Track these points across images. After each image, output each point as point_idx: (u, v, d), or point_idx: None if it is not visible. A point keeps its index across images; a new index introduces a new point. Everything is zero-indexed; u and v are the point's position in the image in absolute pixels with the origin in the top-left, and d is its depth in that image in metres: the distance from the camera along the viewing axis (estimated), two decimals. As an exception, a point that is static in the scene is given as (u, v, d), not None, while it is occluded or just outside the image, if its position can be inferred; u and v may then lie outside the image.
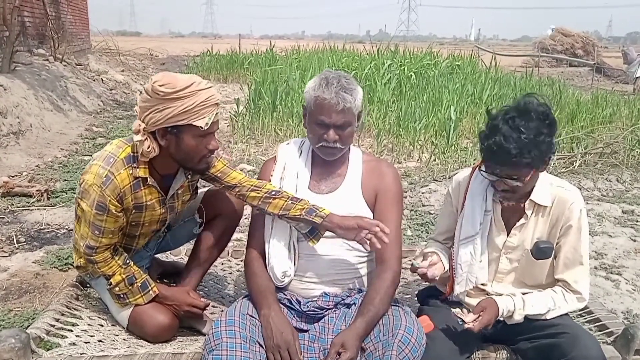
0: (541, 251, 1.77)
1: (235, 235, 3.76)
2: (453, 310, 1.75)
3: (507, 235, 1.86)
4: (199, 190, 2.19)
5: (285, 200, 1.85)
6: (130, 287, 1.87)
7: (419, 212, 4.47)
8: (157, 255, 2.36)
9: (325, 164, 1.93)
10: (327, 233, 1.85)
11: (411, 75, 9.90)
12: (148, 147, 1.74)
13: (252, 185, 1.94)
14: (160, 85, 1.68)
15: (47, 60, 9.52)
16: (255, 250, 1.92)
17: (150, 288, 1.90)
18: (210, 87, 1.76)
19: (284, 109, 7.38)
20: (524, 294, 1.83)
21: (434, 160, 6.05)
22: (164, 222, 2.03)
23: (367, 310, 1.72)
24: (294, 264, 1.87)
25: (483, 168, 1.75)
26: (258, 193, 1.91)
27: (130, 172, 1.79)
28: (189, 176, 1.98)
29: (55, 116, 7.50)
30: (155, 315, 1.88)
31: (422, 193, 4.95)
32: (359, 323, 1.69)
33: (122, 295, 1.88)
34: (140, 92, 1.80)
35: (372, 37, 17.81)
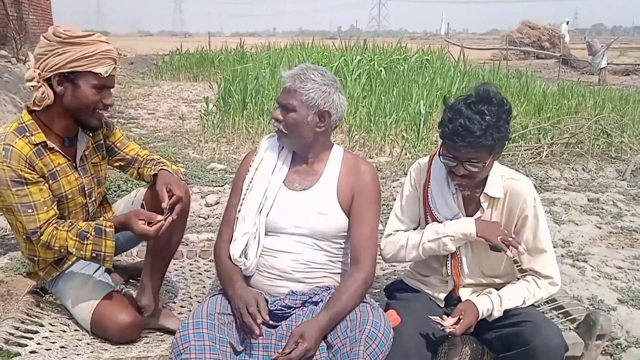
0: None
1: (206, 235, 3.75)
2: (431, 317, 1.75)
3: None
4: (139, 191, 2.19)
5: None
6: (87, 242, 1.79)
7: (390, 206, 4.45)
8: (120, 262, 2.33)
9: (304, 160, 1.92)
10: (292, 230, 1.84)
11: (381, 70, 9.95)
12: (42, 94, 1.74)
13: (145, 159, 2.09)
14: (63, 30, 1.73)
15: (10, 62, 9.27)
16: (224, 239, 1.91)
17: (104, 227, 1.81)
18: (109, 43, 1.82)
19: (254, 107, 7.33)
20: (484, 284, 1.86)
21: (405, 154, 6.09)
22: (84, 190, 1.96)
23: (333, 305, 1.72)
24: (256, 256, 1.85)
25: (443, 152, 1.76)
26: (149, 165, 2.05)
27: (27, 140, 1.76)
28: (91, 134, 1.97)
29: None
30: (116, 315, 1.85)
31: (394, 187, 4.98)
32: (322, 316, 1.69)
33: (94, 256, 1.81)
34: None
35: (344, 33, 17.86)
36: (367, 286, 1.83)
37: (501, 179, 1.84)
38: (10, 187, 1.72)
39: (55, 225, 1.79)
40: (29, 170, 1.74)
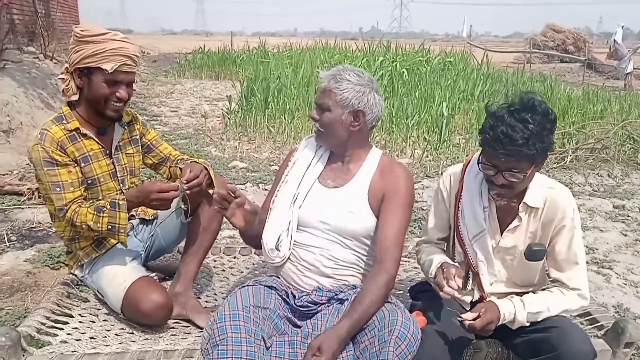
0: (534, 253, 1.76)
1: (229, 232, 3.77)
2: (449, 308, 1.72)
3: (500, 235, 1.84)
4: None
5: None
6: (103, 214, 1.90)
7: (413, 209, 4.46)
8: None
9: (340, 159, 1.95)
10: (320, 225, 1.86)
11: (403, 71, 9.91)
12: (67, 85, 1.96)
13: (176, 159, 2.24)
14: (80, 30, 1.91)
15: (37, 58, 9.42)
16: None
17: (117, 201, 1.93)
18: (126, 40, 1.97)
19: (276, 106, 7.36)
20: (517, 294, 1.83)
21: (427, 156, 6.06)
22: (117, 176, 2.10)
23: (354, 311, 1.70)
24: (289, 249, 1.89)
25: (482, 160, 1.70)
26: (179, 165, 2.18)
27: (62, 127, 1.95)
28: (126, 127, 2.14)
29: (45, 114, 7.43)
30: (150, 293, 1.92)
31: (415, 189, 4.95)
32: (343, 324, 1.66)
33: (110, 228, 1.91)
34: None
35: (365, 34, 17.82)
36: (389, 289, 1.81)
37: (540, 187, 1.78)
38: (43, 166, 1.90)
39: (79, 203, 1.94)
40: (59, 153, 1.91)
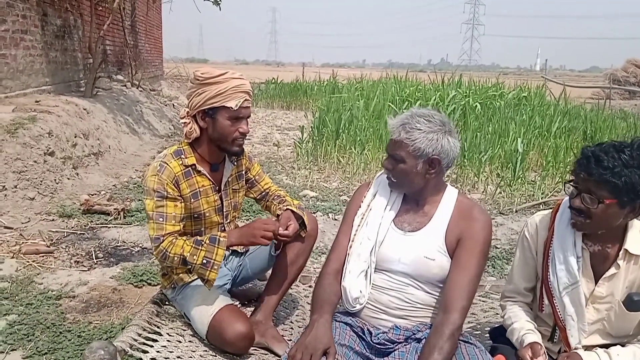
0: (635, 303, 1.67)
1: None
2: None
3: (595, 284, 1.75)
4: None
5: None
6: (201, 248, 1.98)
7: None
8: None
9: (415, 201, 1.91)
10: (396, 270, 1.85)
11: (476, 105, 9.79)
12: (190, 128, 2.06)
13: (273, 194, 2.34)
14: (201, 74, 2.01)
15: (125, 85, 10.11)
16: (331, 266, 1.92)
17: (218, 237, 2.01)
18: (242, 77, 2.06)
19: (347, 137, 7.47)
20: (610, 345, 1.75)
21: (500, 192, 5.91)
22: (222, 211, 2.19)
23: None
24: (368, 293, 1.87)
25: (569, 178, 1.70)
26: (275, 201, 2.30)
27: (180, 162, 2.07)
28: (235, 163, 2.24)
29: (130, 139, 7.92)
30: (234, 322, 1.99)
31: (488, 226, 4.84)
32: None
33: (205, 262, 1.97)
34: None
35: (434, 67, 17.77)
36: (456, 339, 1.71)
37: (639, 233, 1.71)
38: (154, 196, 2.00)
39: (175, 236, 2.02)
40: (172, 187, 2.01)
